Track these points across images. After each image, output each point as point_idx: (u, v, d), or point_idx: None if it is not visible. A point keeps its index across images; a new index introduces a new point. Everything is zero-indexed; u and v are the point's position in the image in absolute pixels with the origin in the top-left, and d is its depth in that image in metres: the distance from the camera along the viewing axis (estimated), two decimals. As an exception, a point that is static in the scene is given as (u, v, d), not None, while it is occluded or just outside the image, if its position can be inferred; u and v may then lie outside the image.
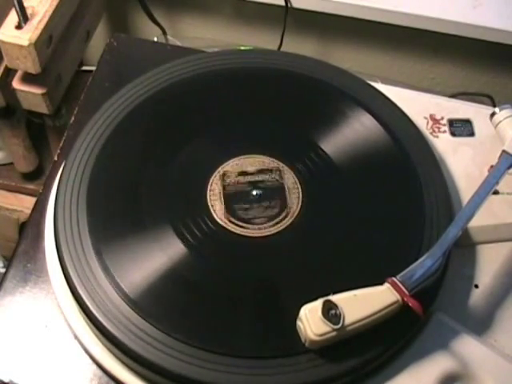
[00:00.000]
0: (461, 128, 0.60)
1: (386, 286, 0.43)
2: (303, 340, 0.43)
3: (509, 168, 0.48)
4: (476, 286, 0.51)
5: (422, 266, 0.44)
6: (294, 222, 0.51)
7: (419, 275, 0.44)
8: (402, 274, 0.44)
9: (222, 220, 0.51)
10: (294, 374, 0.43)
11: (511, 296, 0.51)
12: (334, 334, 0.41)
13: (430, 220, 0.51)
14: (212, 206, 0.51)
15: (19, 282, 0.51)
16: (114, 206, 0.51)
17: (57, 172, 0.55)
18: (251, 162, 0.54)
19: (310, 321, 0.41)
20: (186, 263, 0.48)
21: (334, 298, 0.42)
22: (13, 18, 0.67)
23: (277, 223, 0.51)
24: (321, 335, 0.41)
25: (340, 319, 0.41)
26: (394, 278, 0.44)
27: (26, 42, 0.65)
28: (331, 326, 0.41)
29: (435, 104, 0.62)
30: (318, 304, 0.42)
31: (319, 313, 0.41)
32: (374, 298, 0.43)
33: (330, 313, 0.41)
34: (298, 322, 0.42)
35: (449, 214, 0.51)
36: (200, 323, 0.45)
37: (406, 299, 0.43)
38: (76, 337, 0.48)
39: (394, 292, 0.43)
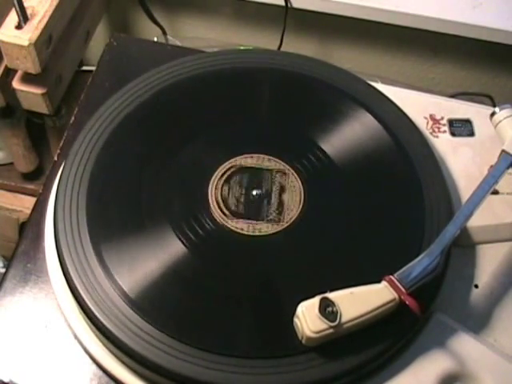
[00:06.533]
0: (461, 128, 0.60)
1: (384, 283, 0.44)
2: (300, 337, 0.43)
3: (508, 168, 0.49)
4: (476, 286, 0.51)
5: (420, 264, 0.44)
6: (294, 221, 0.51)
7: (417, 273, 0.44)
8: (399, 272, 0.44)
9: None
10: (294, 374, 0.43)
11: (511, 296, 0.51)
12: (330, 331, 0.41)
13: (430, 219, 0.51)
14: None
15: (19, 281, 0.51)
16: (114, 205, 0.51)
17: (57, 172, 0.56)
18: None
19: (307, 318, 0.41)
20: (186, 263, 0.48)
21: (331, 295, 0.42)
22: (13, 17, 0.67)
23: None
24: (317, 332, 0.41)
25: (337, 316, 0.41)
26: (391, 276, 0.44)
27: (25, 42, 0.65)
28: (328, 323, 0.41)
29: (435, 104, 0.62)
30: (315, 301, 0.42)
31: (316, 310, 0.41)
32: (372, 295, 0.43)
33: (327, 310, 0.41)
34: (295, 319, 0.43)
35: (449, 214, 0.51)
36: (200, 323, 0.45)
37: (403, 297, 0.43)
38: (76, 337, 0.48)
39: (391, 290, 0.43)
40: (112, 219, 0.50)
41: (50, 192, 0.55)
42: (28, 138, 0.86)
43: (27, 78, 0.72)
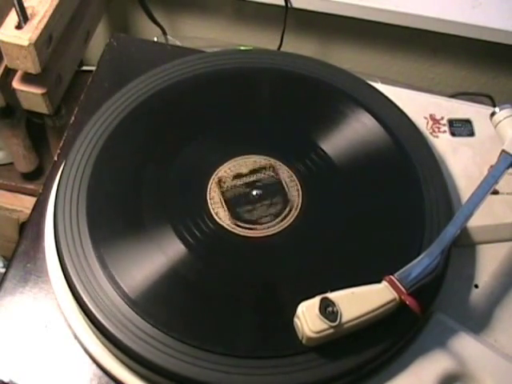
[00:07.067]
0: (461, 128, 0.60)
1: (384, 283, 0.44)
2: (300, 337, 0.43)
3: (508, 168, 0.49)
4: (476, 286, 0.51)
5: (420, 264, 0.44)
6: (294, 222, 0.51)
7: (417, 273, 0.44)
8: (399, 272, 0.44)
9: (221, 220, 0.51)
10: (294, 374, 0.43)
11: (511, 296, 0.51)
12: (331, 331, 0.41)
13: (430, 220, 0.51)
14: (211, 205, 0.52)
15: (19, 281, 0.51)
16: (114, 206, 0.51)
17: (57, 172, 0.56)
18: (251, 162, 0.54)
19: (307, 318, 0.41)
20: (186, 263, 0.48)
21: (332, 295, 0.42)
22: (13, 17, 0.67)
23: (276, 223, 0.51)
24: (318, 332, 0.41)
25: (337, 316, 0.41)
26: (391, 276, 0.44)
27: (25, 42, 0.65)
28: (328, 323, 0.41)
29: (435, 104, 0.62)
30: (315, 301, 0.42)
31: (316, 310, 0.41)
32: (372, 295, 0.43)
33: (328, 310, 0.41)
34: (296, 319, 0.43)
35: (449, 214, 0.51)
36: (200, 323, 0.45)
37: (403, 297, 0.43)
38: (76, 337, 0.48)
39: (392, 290, 0.43)
40: (112, 219, 0.50)
41: (49, 192, 0.55)
42: (28, 138, 0.86)
43: (27, 78, 0.72)
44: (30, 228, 0.54)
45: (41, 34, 0.67)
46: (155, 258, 0.48)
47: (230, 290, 0.48)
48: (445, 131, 0.60)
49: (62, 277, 0.48)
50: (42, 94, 0.72)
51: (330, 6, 0.87)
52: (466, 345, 0.47)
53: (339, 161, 0.55)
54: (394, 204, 0.53)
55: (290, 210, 0.52)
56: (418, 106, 0.61)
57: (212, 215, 0.51)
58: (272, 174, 0.54)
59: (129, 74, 0.61)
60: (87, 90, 0.64)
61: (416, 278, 0.44)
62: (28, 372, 0.47)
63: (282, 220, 0.51)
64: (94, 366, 0.47)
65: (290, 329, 0.43)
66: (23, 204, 0.91)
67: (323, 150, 0.55)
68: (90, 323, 0.46)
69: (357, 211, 0.52)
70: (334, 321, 0.41)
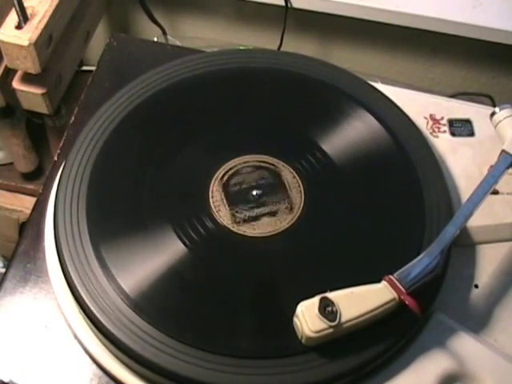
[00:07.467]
0: (461, 128, 0.60)
1: (383, 283, 0.44)
2: (299, 337, 0.43)
3: (508, 168, 0.49)
4: (476, 286, 0.51)
5: (420, 264, 0.44)
6: (294, 221, 0.51)
7: (416, 273, 0.44)
8: (399, 271, 0.44)
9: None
10: (294, 374, 0.43)
11: (511, 296, 0.51)
12: (330, 330, 0.41)
13: (430, 220, 0.51)
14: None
15: (19, 281, 0.51)
16: (114, 206, 0.51)
17: (57, 172, 0.56)
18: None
19: (307, 317, 0.41)
20: (186, 263, 0.48)
21: (331, 294, 0.42)
22: (13, 17, 0.67)
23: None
24: (317, 332, 0.41)
25: (336, 316, 0.41)
26: (391, 276, 0.44)
27: (25, 42, 0.65)
28: (327, 322, 0.41)
29: (435, 104, 0.62)
30: (314, 301, 0.42)
31: (316, 310, 0.41)
32: (371, 295, 0.43)
33: (327, 310, 0.42)
34: (295, 319, 0.43)
35: (449, 214, 0.51)
36: (200, 323, 0.45)
37: (402, 297, 0.43)
38: (76, 337, 0.48)
39: (391, 290, 0.43)
40: (112, 219, 0.50)
41: (49, 192, 0.55)
42: (28, 138, 0.86)
43: (27, 78, 0.72)
44: (30, 228, 0.54)
45: (41, 34, 0.67)
46: (155, 258, 0.48)
47: (230, 289, 0.48)
48: (445, 131, 0.60)
49: (62, 277, 0.48)
50: (42, 94, 0.72)
51: (329, 6, 0.87)
52: (465, 344, 0.47)
53: (339, 161, 0.55)
54: (394, 204, 0.53)
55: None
56: (418, 106, 0.61)
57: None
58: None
59: (129, 74, 0.61)
60: (87, 89, 0.64)
61: (415, 277, 0.44)
62: (28, 372, 0.47)
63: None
64: (93, 366, 0.47)
65: (290, 328, 0.43)
66: (23, 204, 0.91)
67: (323, 150, 0.55)
68: (89, 323, 0.46)
69: (357, 211, 0.52)
70: (334, 320, 0.41)
